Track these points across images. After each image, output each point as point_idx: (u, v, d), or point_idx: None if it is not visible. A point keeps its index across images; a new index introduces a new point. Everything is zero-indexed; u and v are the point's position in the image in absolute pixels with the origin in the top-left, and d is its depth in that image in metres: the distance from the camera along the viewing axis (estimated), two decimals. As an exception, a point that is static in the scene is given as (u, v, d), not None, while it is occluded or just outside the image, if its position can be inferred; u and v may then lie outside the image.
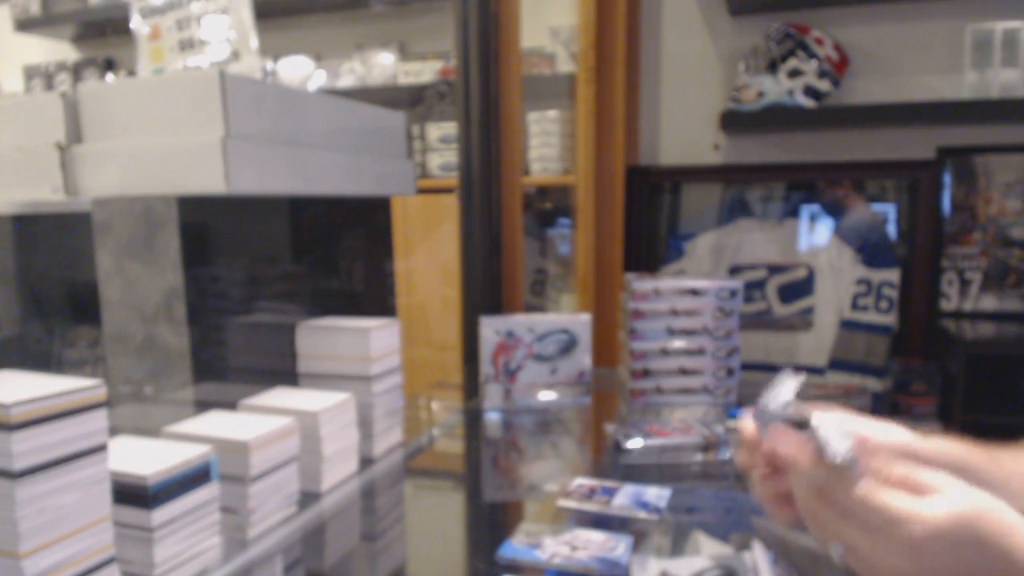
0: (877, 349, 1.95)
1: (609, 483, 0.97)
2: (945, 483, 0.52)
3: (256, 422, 0.86)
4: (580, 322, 1.37)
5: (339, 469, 0.99)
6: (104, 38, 3.15)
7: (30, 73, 3.16)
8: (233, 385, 1.02)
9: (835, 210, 2.05)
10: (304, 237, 1.23)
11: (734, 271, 2.09)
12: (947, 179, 1.95)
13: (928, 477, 0.52)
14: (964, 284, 1.94)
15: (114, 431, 0.67)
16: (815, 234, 2.06)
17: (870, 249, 1.98)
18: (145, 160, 0.83)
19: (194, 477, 0.73)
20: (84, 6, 2.95)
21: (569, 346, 1.37)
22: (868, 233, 2.01)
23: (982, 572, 0.50)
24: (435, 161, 2.59)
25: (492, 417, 1.34)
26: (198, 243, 0.99)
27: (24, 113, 0.87)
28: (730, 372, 1.34)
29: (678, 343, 1.33)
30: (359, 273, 1.35)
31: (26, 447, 0.57)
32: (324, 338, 1.08)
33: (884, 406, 1.79)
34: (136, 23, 1.09)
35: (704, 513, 0.93)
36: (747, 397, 1.37)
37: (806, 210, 2.08)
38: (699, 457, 1.08)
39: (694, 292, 1.32)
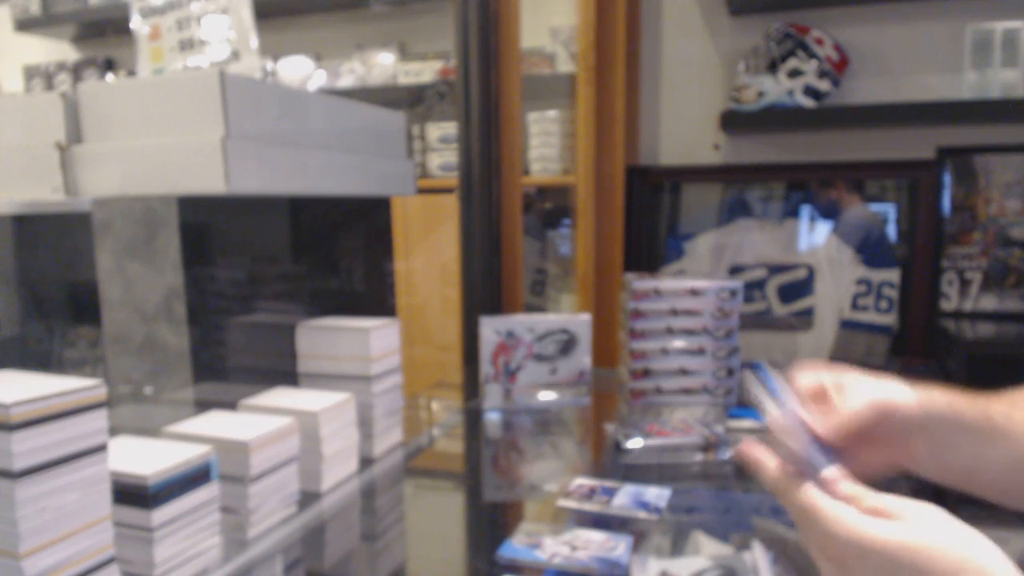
0: (877, 349, 1.95)
1: (609, 483, 0.97)
2: (915, 512, 0.48)
3: (256, 422, 0.86)
4: (580, 322, 1.37)
5: (339, 469, 0.99)
6: (104, 38, 3.15)
7: (30, 73, 3.16)
8: (233, 385, 1.02)
9: (835, 210, 2.05)
10: (304, 237, 1.23)
11: (734, 271, 2.09)
12: (947, 179, 1.95)
13: (902, 506, 0.48)
14: (964, 284, 1.94)
15: (114, 431, 0.67)
16: (815, 234, 2.06)
17: (870, 249, 1.98)
18: (145, 160, 0.83)
19: (194, 477, 0.73)
20: (84, 6, 2.95)
21: (569, 346, 1.37)
22: (868, 233, 2.01)
23: None
24: (435, 161, 2.59)
25: (492, 417, 1.34)
26: (198, 243, 0.99)
27: (24, 113, 0.87)
28: (730, 372, 1.34)
29: (678, 343, 1.33)
30: (359, 273, 1.35)
31: (26, 447, 0.57)
32: (324, 338, 1.08)
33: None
34: (136, 23, 1.09)
35: (704, 513, 0.93)
36: (747, 397, 1.37)
37: (806, 210, 2.08)
38: (699, 457, 1.08)
39: (694, 292, 1.32)
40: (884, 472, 0.68)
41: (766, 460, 0.57)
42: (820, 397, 0.68)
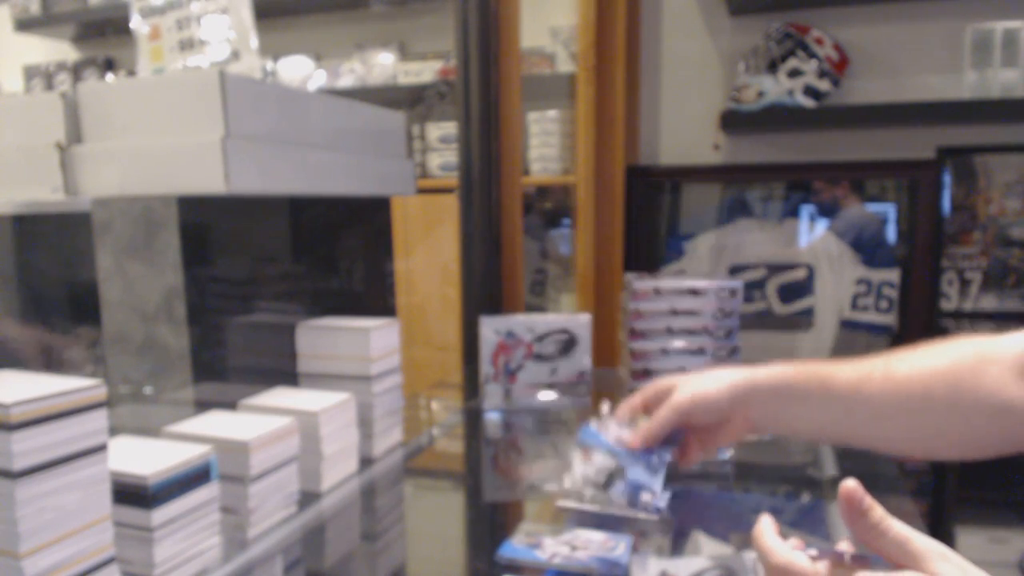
0: (877, 349, 1.95)
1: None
2: (933, 556, 0.47)
3: (256, 422, 0.86)
4: (580, 322, 1.37)
5: (339, 469, 0.99)
6: (104, 38, 3.15)
7: (30, 73, 3.16)
8: (233, 385, 1.02)
9: (835, 210, 2.05)
10: (304, 237, 1.23)
11: (734, 271, 2.09)
12: (947, 179, 1.95)
13: (921, 548, 0.48)
14: (964, 284, 1.94)
15: (114, 431, 0.67)
16: (815, 234, 2.06)
17: (870, 249, 1.98)
18: (145, 160, 0.83)
19: (194, 477, 0.73)
20: (84, 6, 2.95)
21: (569, 346, 1.37)
22: (868, 233, 2.01)
23: None
24: (435, 161, 2.59)
25: (492, 417, 1.34)
26: (198, 243, 0.99)
27: (24, 113, 0.87)
28: (730, 372, 1.34)
29: (678, 343, 1.33)
30: (359, 273, 1.35)
31: (26, 447, 0.57)
32: (324, 338, 1.08)
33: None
34: (136, 23, 1.09)
35: (704, 513, 0.93)
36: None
37: (806, 210, 2.08)
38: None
39: (694, 292, 1.32)
40: (737, 438, 0.86)
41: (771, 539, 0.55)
42: (652, 405, 0.89)
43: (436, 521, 1.02)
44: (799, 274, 2.04)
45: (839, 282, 2.00)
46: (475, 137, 1.71)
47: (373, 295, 1.37)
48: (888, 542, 0.49)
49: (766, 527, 0.54)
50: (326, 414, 0.94)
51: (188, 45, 1.05)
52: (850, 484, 0.50)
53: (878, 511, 0.50)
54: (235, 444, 0.81)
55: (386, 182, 1.21)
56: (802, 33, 1.95)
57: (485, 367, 1.36)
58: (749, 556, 0.74)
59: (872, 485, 0.53)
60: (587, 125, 1.97)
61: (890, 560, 0.49)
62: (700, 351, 1.33)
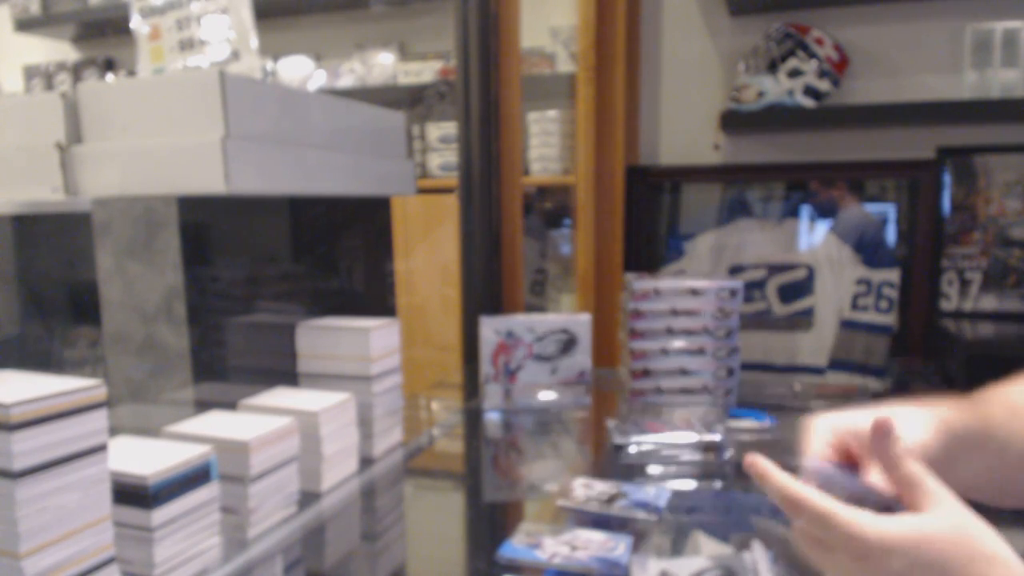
0: (877, 349, 1.95)
1: (609, 483, 0.97)
2: (934, 504, 0.52)
3: (256, 422, 0.86)
4: (580, 322, 1.37)
5: (339, 469, 0.99)
6: (104, 38, 3.15)
7: (30, 73, 3.16)
8: (233, 385, 1.02)
9: (835, 210, 2.05)
10: (304, 237, 1.23)
11: (734, 271, 2.09)
12: (947, 179, 1.95)
13: (922, 497, 0.52)
14: (964, 284, 1.93)
15: (114, 431, 0.67)
16: (815, 234, 2.06)
17: (870, 249, 1.98)
18: (145, 160, 0.83)
19: (194, 477, 0.73)
20: (84, 6, 2.95)
21: (569, 346, 1.37)
22: (868, 233, 2.01)
23: None
24: (435, 161, 2.59)
25: (492, 417, 1.34)
26: (198, 243, 0.99)
27: (24, 113, 0.87)
28: (730, 372, 1.34)
29: (678, 343, 1.34)
30: (359, 273, 1.35)
31: (26, 447, 0.57)
32: (324, 338, 1.08)
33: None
34: (136, 23, 1.09)
35: (704, 513, 0.93)
36: (747, 397, 1.37)
37: (806, 210, 2.08)
38: (699, 457, 1.08)
39: (694, 292, 1.32)
40: None
41: (773, 471, 0.59)
42: (856, 450, 0.66)
43: (436, 521, 1.02)
44: (799, 274, 2.04)
45: (839, 282, 2.00)
46: (475, 137, 1.71)
47: (373, 295, 1.37)
48: (900, 476, 0.53)
49: (775, 470, 0.58)
50: (326, 414, 0.94)
51: (188, 45, 1.05)
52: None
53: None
54: (235, 444, 0.81)
55: (386, 182, 1.21)
56: (802, 33, 1.95)
57: (485, 367, 1.36)
58: (749, 556, 0.74)
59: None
60: (587, 125, 1.97)
61: (898, 494, 0.54)
62: (700, 351, 1.33)
